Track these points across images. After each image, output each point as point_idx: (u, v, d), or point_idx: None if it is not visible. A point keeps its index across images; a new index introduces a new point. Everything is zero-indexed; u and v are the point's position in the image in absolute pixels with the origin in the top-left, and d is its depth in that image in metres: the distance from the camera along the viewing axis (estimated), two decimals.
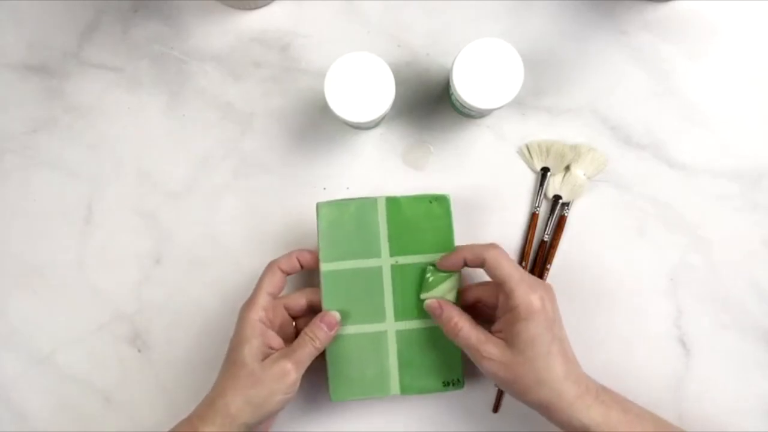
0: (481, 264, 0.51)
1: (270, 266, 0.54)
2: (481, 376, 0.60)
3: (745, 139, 0.60)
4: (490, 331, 0.51)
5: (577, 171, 0.60)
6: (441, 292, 0.55)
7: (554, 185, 0.60)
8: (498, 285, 0.51)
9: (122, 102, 0.62)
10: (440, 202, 0.55)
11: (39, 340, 0.61)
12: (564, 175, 0.60)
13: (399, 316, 0.55)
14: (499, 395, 0.59)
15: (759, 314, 0.59)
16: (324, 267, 0.55)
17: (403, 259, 0.55)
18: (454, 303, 0.54)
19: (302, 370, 0.51)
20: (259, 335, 0.51)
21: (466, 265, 0.53)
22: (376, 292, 0.55)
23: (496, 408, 0.59)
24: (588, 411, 0.48)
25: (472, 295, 0.55)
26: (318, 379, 0.56)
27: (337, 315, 0.54)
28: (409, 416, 0.60)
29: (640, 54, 0.61)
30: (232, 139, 0.62)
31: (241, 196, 0.61)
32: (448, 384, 0.55)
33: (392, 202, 0.55)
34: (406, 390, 0.55)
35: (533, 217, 0.60)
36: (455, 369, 0.55)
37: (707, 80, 0.61)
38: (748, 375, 0.59)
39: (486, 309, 0.54)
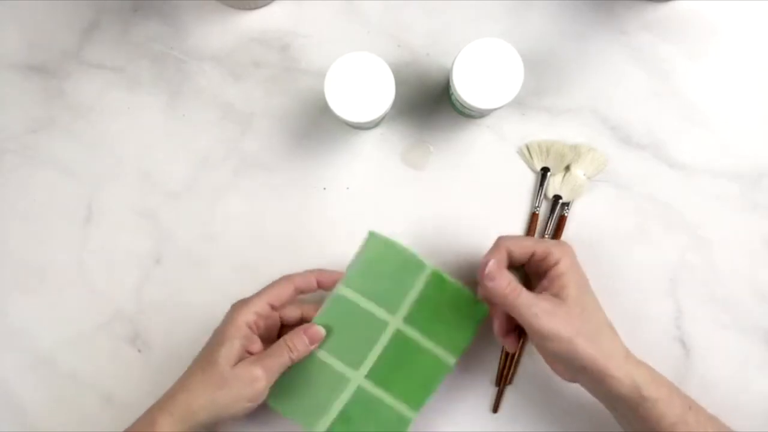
0: (507, 256, 0.51)
1: (284, 279, 0.54)
2: (478, 376, 0.60)
3: (745, 139, 0.60)
4: None
5: (577, 171, 0.60)
6: None
7: (554, 185, 0.60)
8: (525, 262, 0.52)
9: (122, 102, 0.62)
10: (478, 307, 0.54)
11: (39, 340, 0.61)
12: (564, 175, 0.60)
13: (370, 375, 0.54)
14: (499, 395, 0.59)
15: (759, 314, 0.59)
16: (341, 290, 0.54)
17: (410, 332, 0.54)
18: None
19: (273, 379, 0.50)
20: (242, 338, 0.50)
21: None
22: (366, 342, 0.54)
23: (495, 408, 0.59)
24: (638, 368, 0.49)
25: None
26: None
27: (322, 331, 0.53)
28: None
29: (640, 54, 0.61)
30: (232, 139, 0.62)
31: (241, 196, 0.61)
32: None
33: (437, 278, 0.54)
34: None
35: (533, 217, 0.60)
36: None
37: (707, 80, 0.61)
38: (748, 375, 0.59)
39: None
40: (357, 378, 0.54)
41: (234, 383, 0.49)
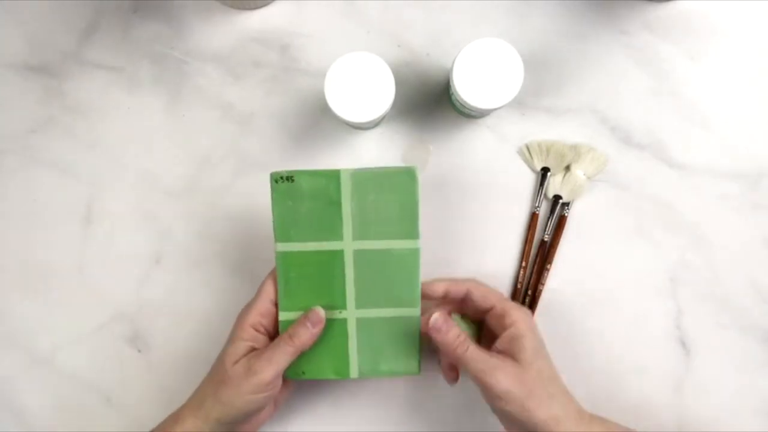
0: (464, 294, 0.52)
1: (272, 273, 0.54)
2: None
3: (745, 139, 0.60)
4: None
5: (577, 171, 0.60)
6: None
7: (554, 185, 0.60)
8: (484, 314, 0.52)
9: (122, 102, 0.62)
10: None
11: (39, 340, 0.61)
12: (564, 175, 0.60)
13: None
14: None
15: (759, 314, 0.59)
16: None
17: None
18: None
19: (277, 369, 0.50)
20: (248, 339, 0.51)
21: (445, 297, 0.53)
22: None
23: None
24: (590, 425, 0.49)
25: None
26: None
27: (321, 311, 0.52)
28: (408, 416, 0.60)
29: (640, 54, 0.61)
30: (232, 139, 0.62)
31: (241, 196, 0.61)
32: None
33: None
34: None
35: (533, 217, 0.60)
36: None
37: (707, 80, 0.61)
38: (748, 375, 0.59)
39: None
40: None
41: (234, 378, 0.49)
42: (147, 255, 0.61)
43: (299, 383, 0.57)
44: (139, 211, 0.61)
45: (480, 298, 0.52)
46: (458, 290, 0.52)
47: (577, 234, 0.60)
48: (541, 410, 0.48)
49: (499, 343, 0.50)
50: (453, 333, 0.50)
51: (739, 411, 0.58)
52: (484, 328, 0.55)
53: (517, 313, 0.50)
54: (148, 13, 0.62)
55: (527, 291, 0.60)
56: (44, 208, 0.61)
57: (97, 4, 0.62)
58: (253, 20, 0.62)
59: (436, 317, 0.50)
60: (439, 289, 0.53)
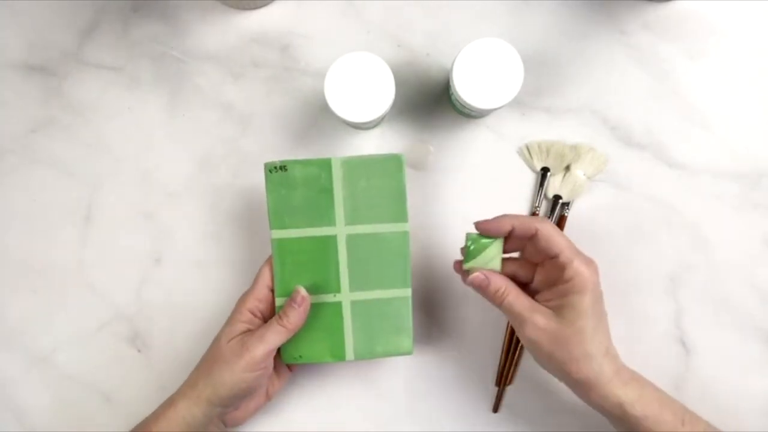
0: (531, 235, 0.50)
1: (269, 260, 0.55)
2: (479, 374, 0.60)
3: (745, 139, 0.60)
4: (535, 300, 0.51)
5: (577, 171, 0.60)
6: (485, 260, 0.52)
7: (554, 185, 0.60)
8: (546, 258, 0.50)
9: (122, 101, 0.62)
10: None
11: (39, 340, 0.61)
12: (564, 175, 0.60)
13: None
14: (499, 395, 0.59)
15: (759, 314, 0.59)
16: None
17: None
18: (498, 270, 0.52)
19: (265, 349, 0.51)
20: (244, 322, 0.52)
21: (510, 233, 0.51)
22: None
23: (496, 408, 0.59)
24: (624, 388, 0.48)
25: (505, 271, 0.53)
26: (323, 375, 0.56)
27: (302, 290, 0.53)
28: (408, 416, 0.60)
29: (640, 54, 0.61)
30: (232, 139, 0.62)
31: (241, 196, 0.61)
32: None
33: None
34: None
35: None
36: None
37: (707, 80, 0.61)
38: (748, 375, 0.59)
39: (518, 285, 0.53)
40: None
41: (227, 355, 0.51)
42: (147, 255, 0.61)
43: (292, 374, 0.57)
44: (139, 211, 0.61)
45: (546, 242, 0.49)
46: (526, 229, 0.50)
47: (577, 234, 0.60)
48: (571, 368, 0.48)
49: (550, 294, 0.50)
50: (492, 287, 0.51)
51: (739, 411, 0.58)
52: (545, 271, 0.52)
53: (578, 268, 0.48)
54: (148, 13, 0.62)
55: None
56: (44, 208, 0.61)
57: (97, 4, 0.62)
58: (253, 20, 0.62)
59: (472, 279, 0.51)
60: (505, 226, 0.50)
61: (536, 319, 0.49)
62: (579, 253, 0.50)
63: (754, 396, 0.59)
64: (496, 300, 0.51)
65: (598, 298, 0.50)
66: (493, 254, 0.52)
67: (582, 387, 0.49)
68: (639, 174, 0.60)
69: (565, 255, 0.49)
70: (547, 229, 0.50)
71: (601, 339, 0.49)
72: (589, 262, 0.49)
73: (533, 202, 0.60)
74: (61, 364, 0.60)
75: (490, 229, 0.51)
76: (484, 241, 0.52)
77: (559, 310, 0.49)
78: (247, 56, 0.62)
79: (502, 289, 0.50)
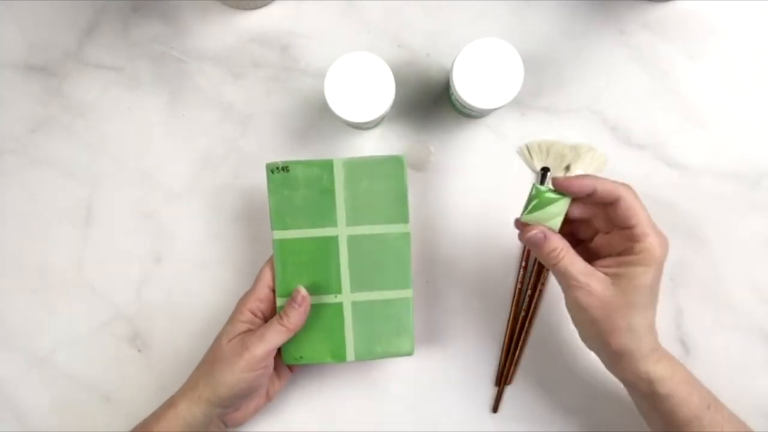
0: (613, 200, 0.48)
1: (270, 263, 0.55)
2: (479, 375, 0.60)
3: (745, 139, 0.60)
4: (593, 264, 0.49)
5: (576, 171, 0.60)
6: (547, 216, 0.49)
7: None
8: (617, 227, 0.49)
9: (122, 101, 0.62)
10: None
11: (39, 340, 0.61)
12: (564, 176, 0.60)
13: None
14: (499, 395, 0.59)
15: (759, 314, 0.59)
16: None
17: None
18: (556, 230, 0.49)
19: (266, 348, 0.51)
20: (245, 322, 0.53)
21: (591, 195, 0.48)
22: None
23: (495, 408, 0.59)
24: (657, 364, 0.48)
25: (563, 230, 0.50)
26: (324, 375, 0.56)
27: (303, 290, 0.53)
28: (408, 416, 0.60)
29: (640, 54, 0.61)
30: (232, 139, 0.62)
31: (241, 196, 0.61)
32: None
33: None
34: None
35: None
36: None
37: (707, 80, 0.61)
38: (748, 375, 0.59)
39: (578, 233, 0.52)
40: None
41: (228, 355, 0.51)
42: (147, 255, 0.61)
43: (292, 376, 0.58)
44: (139, 211, 0.61)
45: (627, 211, 0.47)
46: (608, 194, 0.48)
47: None
48: (612, 338, 0.48)
49: (612, 261, 0.48)
50: (547, 247, 0.48)
51: (739, 411, 0.58)
52: (610, 238, 0.50)
53: (652, 243, 0.47)
54: (148, 13, 0.62)
55: (527, 291, 0.60)
56: (44, 208, 0.61)
57: (97, 4, 0.62)
58: (253, 20, 0.62)
59: (530, 235, 0.49)
60: (588, 186, 0.48)
61: (592, 284, 0.47)
62: (655, 228, 0.48)
63: (754, 396, 0.59)
64: (549, 260, 0.49)
65: (659, 276, 0.48)
66: (557, 211, 0.49)
67: (616, 358, 0.49)
68: (639, 174, 0.60)
69: (642, 227, 0.47)
70: (631, 197, 0.47)
71: (648, 315, 0.48)
72: (663, 240, 0.48)
73: None
74: (61, 364, 0.60)
75: (571, 186, 0.48)
76: (551, 195, 0.49)
77: (617, 278, 0.47)
78: (247, 56, 0.62)
79: (558, 250, 0.48)
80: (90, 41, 0.62)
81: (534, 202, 0.49)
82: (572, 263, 0.48)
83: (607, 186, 0.48)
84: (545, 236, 0.49)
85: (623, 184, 0.48)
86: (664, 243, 0.48)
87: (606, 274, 0.48)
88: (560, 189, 0.49)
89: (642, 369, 0.48)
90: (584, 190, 0.48)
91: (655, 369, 0.48)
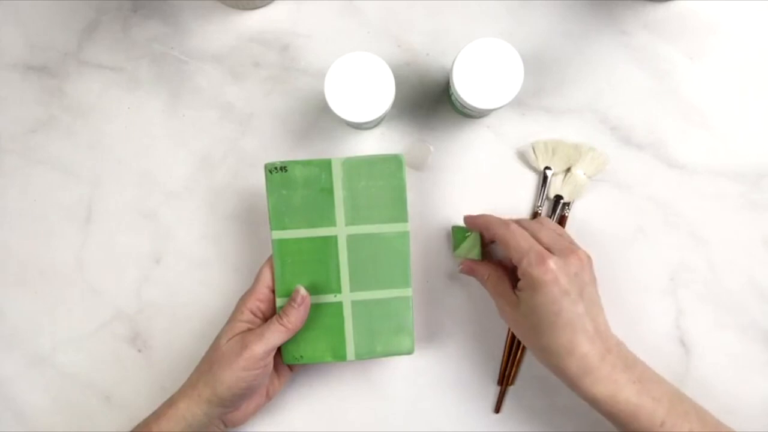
0: (492, 240, 0.55)
1: (269, 260, 0.55)
2: (483, 377, 0.60)
3: (745, 139, 0.60)
4: (516, 288, 0.53)
5: (577, 171, 0.60)
6: (465, 251, 0.57)
7: (555, 185, 0.60)
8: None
9: (122, 101, 0.62)
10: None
11: (39, 340, 0.61)
12: (565, 176, 0.60)
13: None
14: (501, 395, 0.59)
15: (759, 314, 0.59)
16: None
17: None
18: (478, 259, 0.57)
19: (265, 347, 0.51)
20: (244, 321, 0.53)
21: (483, 233, 0.56)
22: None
23: (498, 408, 0.59)
24: (594, 387, 0.49)
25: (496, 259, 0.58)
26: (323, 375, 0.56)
27: (302, 289, 0.53)
28: (409, 416, 0.60)
29: (640, 54, 0.61)
30: (232, 139, 0.62)
31: (241, 196, 0.61)
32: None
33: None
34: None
35: (534, 217, 0.60)
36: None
37: (707, 80, 0.61)
38: (748, 375, 0.59)
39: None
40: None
41: (227, 354, 0.51)
42: (147, 255, 0.61)
43: (292, 375, 0.58)
44: (139, 211, 0.61)
45: (503, 246, 0.52)
46: (489, 235, 0.55)
47: (578, 234, 0.60)
48: (538, 358, 0.52)
49: (518, 284, 0.52)
50: (478, 276, 0.57)
51: (739, 411, 0.58)
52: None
53: (524, 266, 0.50)
54: (148, 13, 0.62)
55: None
56: (44, 208, 0.61)
57: (97, 3, 0.62)
58: (253, 20, 0.62)
59: (461, 268, 0.58)
60: (476, 225, 0.56)
61: (505, 307, 0.53)
62: (535, 251, 0.50)
63: (754, 396, 0.59)
64: (483, 285, 0.56)
65: (562, 294, 0.49)
66: (469, 246, 0.57)
67: (556, 374, 0.51)
68: (639, 174, 0.60)
69: (516, 254, 0.51)
70: (502, 232, 0.52)
71: (561, 336, 0.49)
72: (545, 260, 0.49)
73: (535, 202, 0.60)
74: (61, 364, 0.60)
75: (466, 223, 0.57)
76: (464, 233, 0.58)
77: (519, 302, 0.52)
78: (247, 56, 0.62)
79: (486, 276, 0.55)
80: (90, 41, 0.62)
81: (454, 241, 0.59)
82: (495, 286, 0.55)
83: (488, 227, 0.54)
84: (472, 268, 0.57)
85: (504, 223, 0.53)
86: (548, 264, 0.49)
87: (517, 295, 0.52)
88: (466, 225, 0.57)
89: (580, 390, 0.50)
90: (475, 226, 0.57)
91: (593, 392, 0.49)
